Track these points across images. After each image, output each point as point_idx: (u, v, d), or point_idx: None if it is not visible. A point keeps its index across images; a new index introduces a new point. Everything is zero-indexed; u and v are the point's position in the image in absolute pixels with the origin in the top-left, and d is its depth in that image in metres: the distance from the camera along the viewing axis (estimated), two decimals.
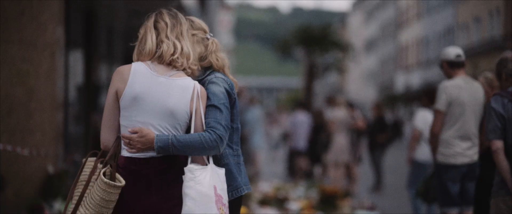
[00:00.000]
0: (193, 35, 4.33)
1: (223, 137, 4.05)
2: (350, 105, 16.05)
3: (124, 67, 4.02)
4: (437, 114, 7.22)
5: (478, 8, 34.33)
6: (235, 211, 4.36)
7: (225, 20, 73.12)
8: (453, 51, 7.25)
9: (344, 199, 11.80)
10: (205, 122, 4.07)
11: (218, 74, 4.29)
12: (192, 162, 4.01)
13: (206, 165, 4.03)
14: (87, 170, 4.06)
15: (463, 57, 7.26)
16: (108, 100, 4.04)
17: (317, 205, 11.05)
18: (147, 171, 3.97)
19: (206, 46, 4.38)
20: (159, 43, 4.04)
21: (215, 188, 3.97)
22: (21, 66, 8.21)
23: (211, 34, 4.45)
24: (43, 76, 8.37)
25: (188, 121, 4.03)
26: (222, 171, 4.08)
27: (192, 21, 4.40)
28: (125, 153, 4.00)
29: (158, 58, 4.03)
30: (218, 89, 4.18)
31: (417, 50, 50.39)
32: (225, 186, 4.06)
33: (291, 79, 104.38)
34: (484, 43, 31.42)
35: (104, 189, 3.87)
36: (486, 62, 29.07)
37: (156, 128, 3.97)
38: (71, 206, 3.99)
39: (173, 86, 3.99)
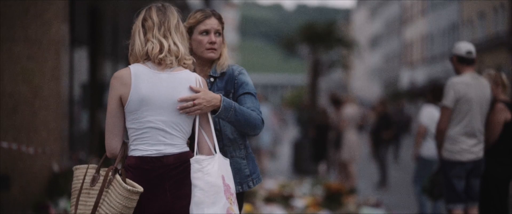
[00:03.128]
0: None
1: (263, 122, 4.28)
2: (338, 101, 16.00)
3: (123, 72, 3.97)
4: (444, 110, 7.18)
5: (482, 4, 34.27)
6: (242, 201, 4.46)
7: (229, 18, 73.13)
8: (465, 47, 7.20)
9: (349, 196, 11.79)
10: (248, 107, 4.26)
11: (239, 66, 4.47)
12: (199, 153, 4.01)
13: (213, 155, 4.03)
14: (80, 176, 4.03)
15: (474, 55, 7.21)
16: (111, 107, 3.97)
17: (323, 202, 11.04)
18: (160, 170, 3.93)
19: None
20: (146, 42, 4.00)
21: (223, 177, 3.97)
22: (26, 64, 8.21)
23: None
24: (48, 74, 8.36)
25: None
26: (227, 161, 4.08)
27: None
28: (136, 152, 3.96)
29: (148, 57, 4.00)
30: (249, 79, 4.39)
31: (422, 47, 50.33)
32: (231, 175, 4.06)
33: (296, 76, 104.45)
34: (489, 39, 31.39)
35: (127, 196, 3.82)
36: (491, 58, 29.05)
37: (168, 125, 3.96)
38: None
39: (177, 81, 3.97)
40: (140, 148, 3.96)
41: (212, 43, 4.33)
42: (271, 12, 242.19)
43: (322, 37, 20.98)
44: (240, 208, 4.41)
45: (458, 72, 7.27)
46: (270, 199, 11.03)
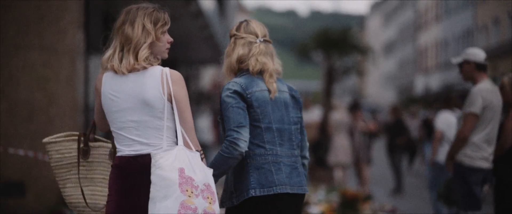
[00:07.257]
0: (241, 38, 4.48)
1: (235, 139, 4.20)
2: (355, 106, 15.94)
3: (99, 75, 4.05)
4: (471, 117, 7.01)
5: (497, 10, 34.14)
6: (267, 210, 4.35)
7: None
8: (482, 54, 7.12)
9: (365, 202, 11.75)
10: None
11: (234, 79, 4.39)
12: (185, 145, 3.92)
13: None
14: (63, 150, 4.41)
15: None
16: (96, 105, 4.14)
17: (338, 209, 11.01)
18: (134, 168, 3.93)
19: (250, 50, 4.48)
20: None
21: (181, 170, 3.78)
22: (41, 71, 8.23)
23: (261, 39, 4.55)
24: (63, 81, 8.38)
25: (170, 108, 3.95)
26: (195, 154, 3.90)
27: (247, 23, 4.55)
28: (118, 153, 4.01)
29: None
30: (222, 96, 4.34)
31: (436, 53, 50.19)
32: (200, 168, 3.87)
33: (311, 82, 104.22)
34: (503, 45, 31.24)
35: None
36: (505, 64, 28.94)
37: (140, 124, 3.93)
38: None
39: (143, 78, 3.94)
40: (120, 149, 4.00)
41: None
42: (285, 19, 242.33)
43: (336, 44, 20.95)
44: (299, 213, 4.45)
45: (474, 79, 7.14)
46: None
